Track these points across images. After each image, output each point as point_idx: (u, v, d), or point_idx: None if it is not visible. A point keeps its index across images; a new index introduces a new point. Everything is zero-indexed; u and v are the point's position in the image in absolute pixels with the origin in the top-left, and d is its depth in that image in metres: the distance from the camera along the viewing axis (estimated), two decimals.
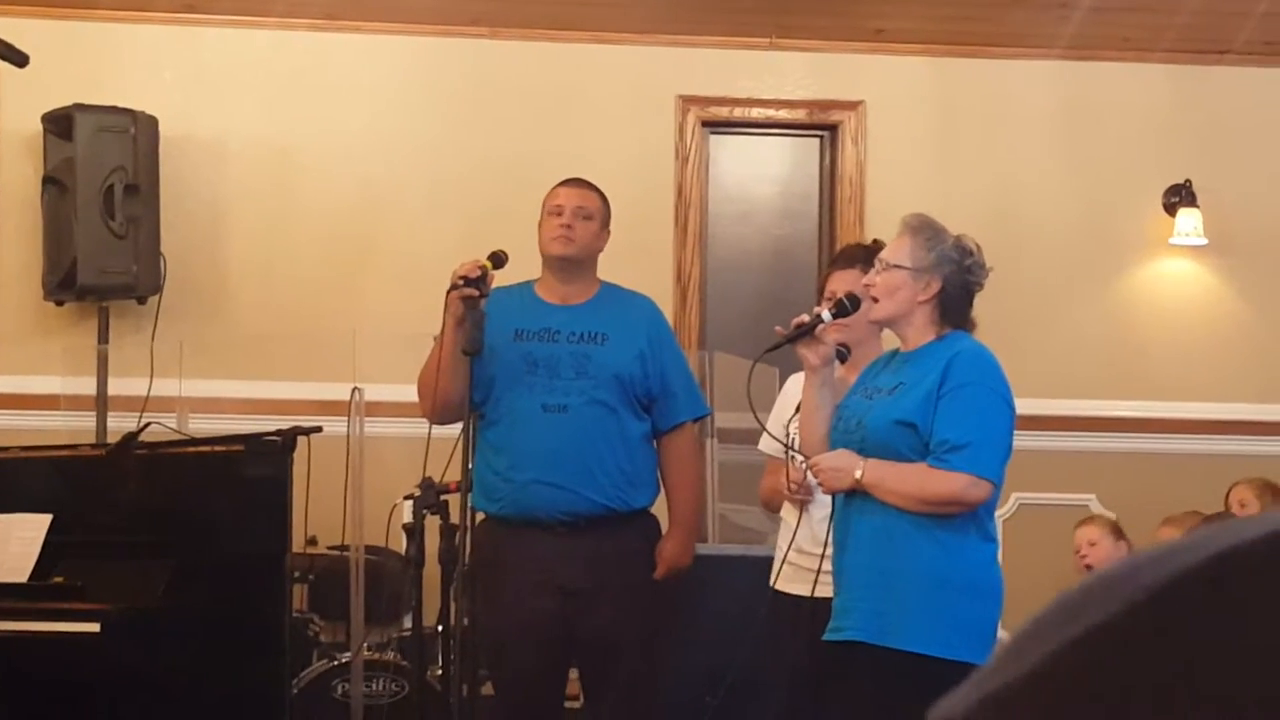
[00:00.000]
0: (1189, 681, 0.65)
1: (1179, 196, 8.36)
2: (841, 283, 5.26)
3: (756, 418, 5.18)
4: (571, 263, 5.77)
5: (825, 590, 4.94)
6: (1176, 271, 8.50)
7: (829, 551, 4.90)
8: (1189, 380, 8.40)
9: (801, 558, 5.27)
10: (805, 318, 4.80)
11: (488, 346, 5.46)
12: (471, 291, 5.37)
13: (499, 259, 5.50)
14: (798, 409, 5.39)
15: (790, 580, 5.36)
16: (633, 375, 5.70)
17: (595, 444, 5.63)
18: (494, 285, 5.47)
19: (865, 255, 5.38)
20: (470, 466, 5.41)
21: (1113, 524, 6.99)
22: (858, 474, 4.59)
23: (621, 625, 5.62)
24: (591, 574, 5.60)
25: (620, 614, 5.61)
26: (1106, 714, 0.66)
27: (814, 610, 5.01)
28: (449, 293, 5.42)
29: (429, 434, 5.47)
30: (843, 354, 5.22)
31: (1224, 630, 0.66)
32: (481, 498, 5.66)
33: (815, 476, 4.78)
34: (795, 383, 5.35)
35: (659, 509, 5.89)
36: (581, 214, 5.77)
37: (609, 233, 5.90)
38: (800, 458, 5.16)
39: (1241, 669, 0.65)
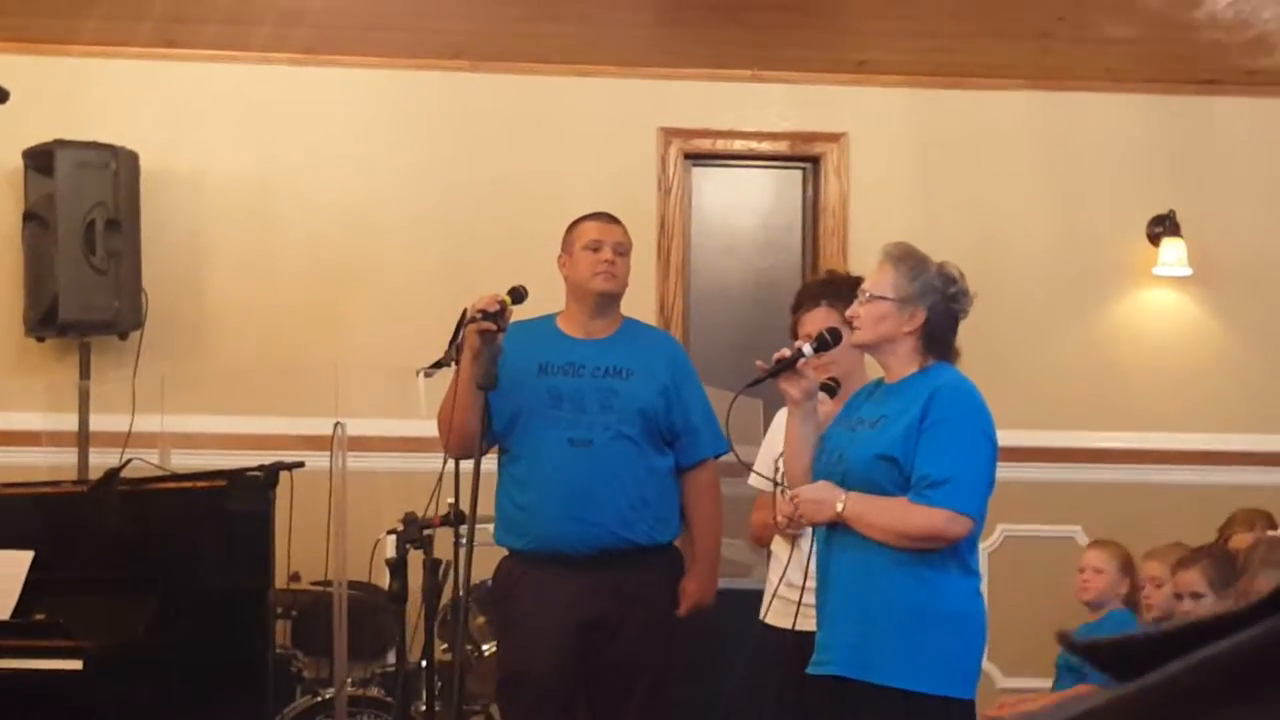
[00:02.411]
0: None
1: (1163, 226, 8.36)
2: (815, 324, 5.24)
3: (735, 453, 5.16)
4: (613, 299, 5.80)
5: (807, 624, 4.92)
6: (1161, 302, 8.50)
7: (810, 585, 4.89)
8: (1174, 411, 8.39)
9: (791, 591, 5.25)
10: (786, 352, 4.77)
11: (511, 380, 5.44)
12: (489, 325, 5.33)
13: (518, 294, 5.47)
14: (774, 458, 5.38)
15: (780, 614, 5.34)
16: (656, 410, 5.70)
17: (621, 478, 5.61)
18: (511, 319, 5.44)
19: (827, 290, 5.38)
20: (461, 500, 5.37)
21: (1124, 556, 6.78)
22: (839, 507, 4.57)
23: (642, 658, 5.61)
24: (615, 607, 5.59)
25: (642, 647, 5.60)
26: None
27: (798, 643, 5.00)
28: (466, 326, 5.39)
29: (444, 466, 5.39)
30: (831, 388, 5.20)
31: None
32: (503, 532, 5.66)
33: (797, 509, 4.76)
34: (784, 415, 5.34)
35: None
36: (620, 250, 5.79)
37: None
38: (790, 493, 5.14)
39: None
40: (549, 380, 5.66)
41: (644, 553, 5.65)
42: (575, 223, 5.91)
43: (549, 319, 5.84)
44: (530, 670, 5.62)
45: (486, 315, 5.34)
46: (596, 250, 5.76)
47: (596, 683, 5.70)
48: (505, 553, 5.77)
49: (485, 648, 6.53)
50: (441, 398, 5.62)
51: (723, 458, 5.76)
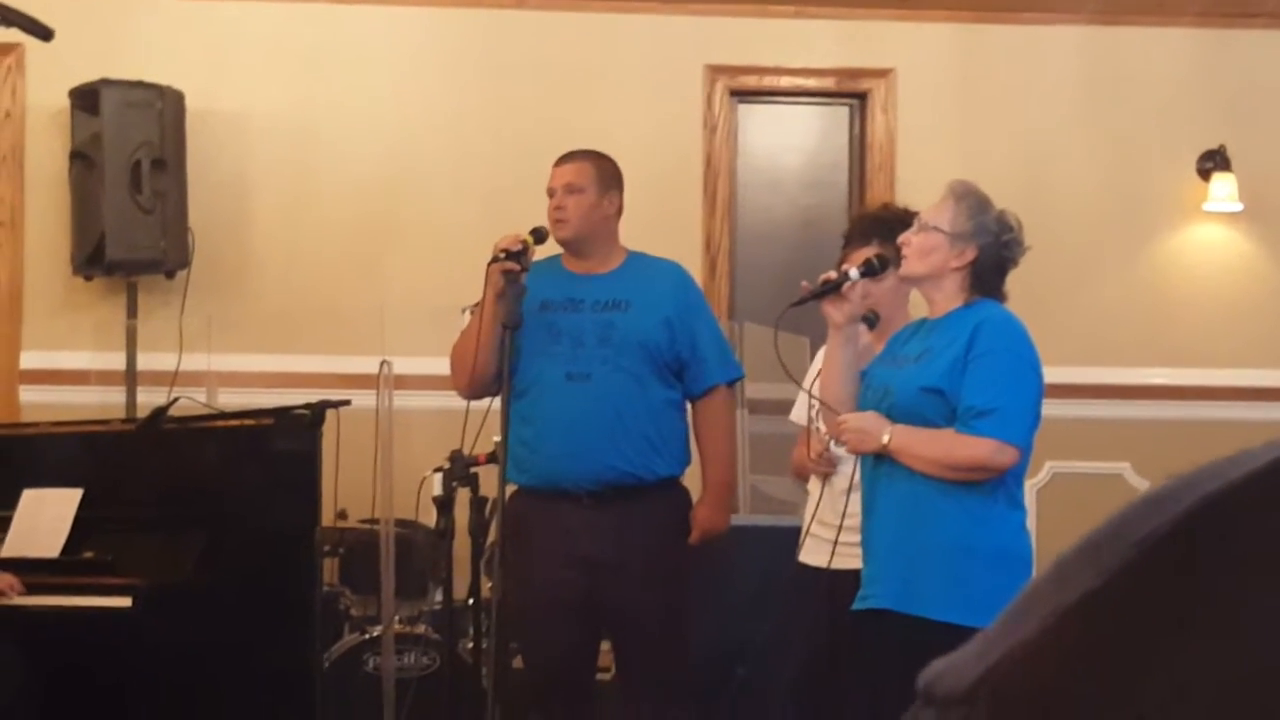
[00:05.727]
0: (1184, 643, 0.62)
1: (1213, 162, 8.30)
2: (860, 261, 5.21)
3: (786, 371, 5.10)
4: (575, 241, 5.76)
5: (844, 562, 4.91)
6: (1211, 237, 8.44)
7: (846, 524, 4.88)
8: (1224, 347, 8.34)
9: (823, 529, 5.23)
10: (833, 274, 4.77)
11: None
12: (512, 265, 5.35)
13: (540, 234, 5.50)
14: (815, 379, 5.35)
15: (812, 552, 5.33)
16: (658, 342, 5.66)
17: (619, 412, 5.60)
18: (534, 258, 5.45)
19: (879, 228, 5.32)
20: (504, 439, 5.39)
21: None
22: (885, 438, 4.56)
23: (649, 596, 5.59)
24: (619, 546, 5.57)
25: (648, 585, 5.58)
26: (1105, 681, 0.63)
27: (831, 582, 5.00)
28: (490, 265, 5.39)
29: (468, 408, 5.45)
30: (870, 320, 5.17)
31: (1211, 586, 0.63)
32: (511, 468, 5.65)
33: (841, 436, 4.74)
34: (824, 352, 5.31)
35: (691, 479, 5.86)
36: (571, 190, 5.74)
37: (618, 195, 5.84)
38: (823, 428, 5.12)
39: (1231, 630, 0.62)
40: (549, 316, 5.64)
41: (648, 488, 5.63)
42: None
43: (556, 258, 5.82)
44: (542, 609, 5.62)
45: (510, 254, 5.35)
46: (551, 196, 5.76)
47: (611, 621, 5.72)
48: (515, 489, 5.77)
49: None
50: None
51: (774, 393, 5.73)
